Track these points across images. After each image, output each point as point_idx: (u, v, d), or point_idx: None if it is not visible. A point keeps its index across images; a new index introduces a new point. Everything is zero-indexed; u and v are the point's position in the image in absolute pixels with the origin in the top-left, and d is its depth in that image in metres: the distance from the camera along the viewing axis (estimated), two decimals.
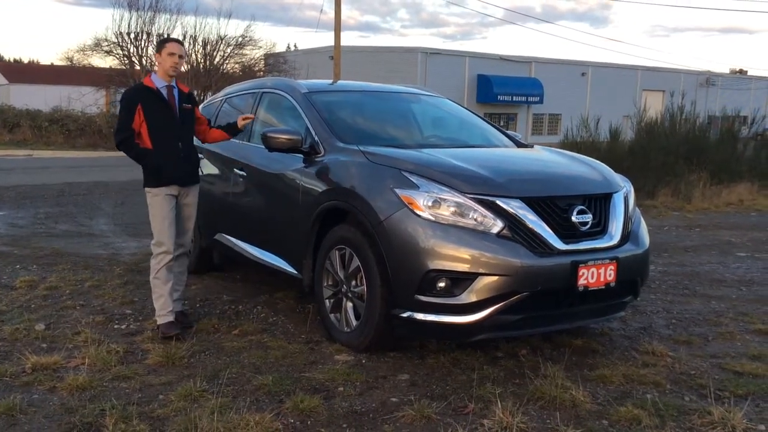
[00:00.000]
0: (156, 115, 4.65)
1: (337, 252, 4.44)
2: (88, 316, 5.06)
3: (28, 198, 12.24)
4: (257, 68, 31.30)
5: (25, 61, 69.40)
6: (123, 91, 26.35)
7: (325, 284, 4.58)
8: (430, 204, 3.92)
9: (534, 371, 3.97)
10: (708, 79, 51.60)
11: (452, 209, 3.90)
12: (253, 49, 30.43)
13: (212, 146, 5.82)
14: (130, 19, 28.05)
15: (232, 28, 68.95)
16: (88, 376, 3.79)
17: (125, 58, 28.59)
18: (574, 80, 44.55)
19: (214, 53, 28.59)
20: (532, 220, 3.88)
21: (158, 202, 4.70)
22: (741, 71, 63.61)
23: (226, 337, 4.62)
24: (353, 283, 4.33)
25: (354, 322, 4.32)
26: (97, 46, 29.20)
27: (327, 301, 4.57)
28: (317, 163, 4.70)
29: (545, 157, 4.83)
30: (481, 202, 3.90)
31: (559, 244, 3.89)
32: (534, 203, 3.94)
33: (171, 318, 4.68)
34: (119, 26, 28.56)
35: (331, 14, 70.60)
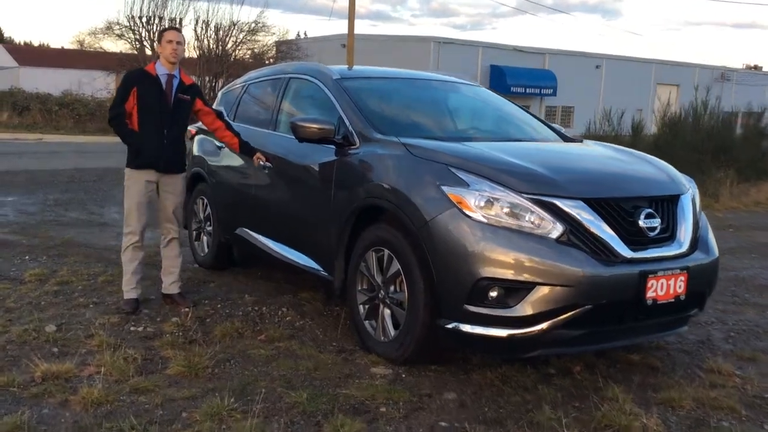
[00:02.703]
0: (148, 100, 4.79)
1: (373, 254, 4.07)
2: (101, 315, 4.72)
3: (38, 183, 11.92)
4: (269, 55, 30.86)
5: (36, 44, 69.20)
6: None
7: (359, 288, 4.22)
8: (481, 204, 3.54)
9: (595, 392, 3.61)
10: (723, 74, 50.89)
11: (506, 210, 3.52)
12: (265, 36, 29.98)
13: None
14: (142, 2, 27.65)
15: (245, 15, 68.57)
16: (104, 388, 3.44)
17: (137, 42, 28.18)
18: (588, 73, 43.95)
19: (227, 39, 28.15)
20: (595, 224, 3.50)
21: (132, 184, 4.89)
22: (756, 67, 62.82)
23: (252, 343, 4.26)
24: (392, 288, 3.97)
25: (392, 332, 3.95)
26: (108, 29, 28.81)
27: (361, 306, 4.20)
28: (351, 155, 4.32)
29: (603, 154, 4.44)
30: (538, 202, 3.52)
31: (625, 252, 3.51)
32: (597, 205, 3.56)
33: (133, 295, 4.93)
34: (131, 9, 28.16)
35: (342, 2, 70.15)
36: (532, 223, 3.48)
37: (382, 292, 4.02)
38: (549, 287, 3.39)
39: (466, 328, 3.57)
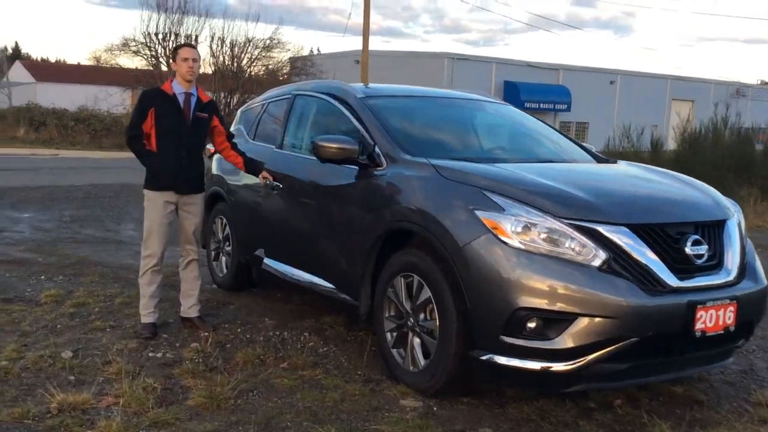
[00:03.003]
0: (166, 121, 4.68)
1: (402, 279, 3.91)
2: (119, 340, 4.57)
3: (54, 199, 11.86)
4: (284, 71, 30.86)
5: (52, 60, 69.79)
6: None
7: (387, 315, 4.05)
8: (518, 230, 3.37)
9: (640, 429, 3.41)
10: (738, 90, 50.52)
11: (544, 236, 3.35)
12: (280, 52, 30.02)
13: (250, 155, 5.33)
14: (158, 19, 27.76)
15: (260, 32, 68.89)
16: (123, 422, 3.27)
17: (152, 59, 28.29)
18: (602, 88, 43.74)
19: (242, 55, 28.20)
20: (640, 251, 3.32)
21: (152, 206, 4.78)
22: None
23: (274, 371, 4.09)
24: (422, 316, 3.80)
25: (422, 361, 3.78)
26: (125, 45, 28.94)
27: (388, 334, 4.03)
28: (378, 177, 4.17)
29: (643, 176, 4.26)
30: (579, 228, 3.34)
31: (672, 281, 3.32)
32: (642, 231, 3.38)
33: (150, 319, 4.80)
34: (147, 26, 28.28)
35: (355, 19, 70.26)
36: (573, 250, 3.31)
37: (411, 319, 3.85)
38: (591, 318, 3.21)
39: (502, 360, 3.39)
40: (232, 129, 6.39)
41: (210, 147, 6.83)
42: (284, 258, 5.09)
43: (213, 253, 6.28)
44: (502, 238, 3.37)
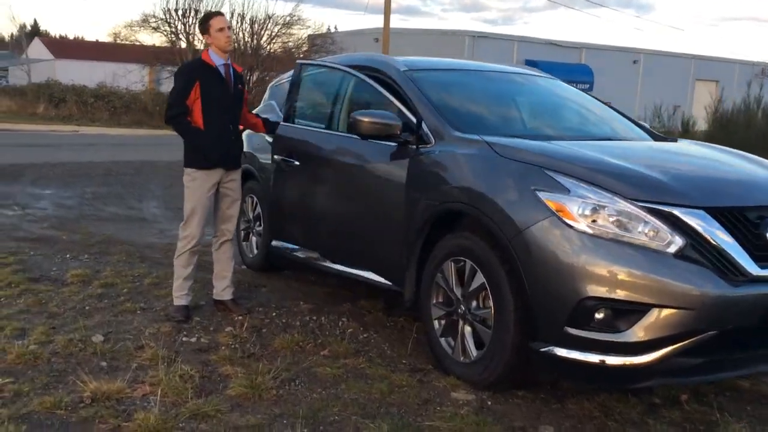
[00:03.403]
0: (213, 94, 4.44)
1: (452, 264, 3.67)
2: (151, 323, 4.37)
3: (75, 176, 11.72)
4: (304, 49, 30.48)
5: (71, 37, 69.70)
6: (170, 68, 25.74)
7: (434, 302, 3.82)
8: (587, 212, 3.11)
9: (710, 427, 3.17)
10: (764, 70, 49.49)
11: (615, 220, 3.09)
12: (301, 29, 29.65)
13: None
14: None
15: (279, 9, 68.09)
16: (160, 413, 3.07)
17: (172, 35, 28.05)
18: (625, 68, 43.02)
19: (262, 32, 27.87)
20: (719, 237, 3.05)
21: (198, 185, 4.51)
22: None
23: (315, 359, 3.88)
24: (474, 303, 3.56)
25: (474, 352, 3.55)
26: (144, 22, 28.69)
27: (436, 322, 3.80)
28: (425, 155, 3.92)
29: (713, 156, 3.98)
30: (653, 212, 3.08)
31: (753, 269, 3.05)
32: (720, 215, 3.11)
33: (183, 302, 4.57)
34: (167, 2, 28.02)
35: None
36: (646, 234, 3.05)
37: (462, 307, 3.62)
38: (667, 310, 2.96)
39: (563, 352, 3.15)
40: (262, 104, 6.16)
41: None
42: (317, 242, 4.88)
43: (243, 233, 6.07)
44: (568, 221, 3.12)
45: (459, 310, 3.64)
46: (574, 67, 40.70)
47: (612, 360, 3.06)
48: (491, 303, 3.41)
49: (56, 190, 10.19)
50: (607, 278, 3.01)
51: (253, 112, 5.39)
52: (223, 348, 4.00)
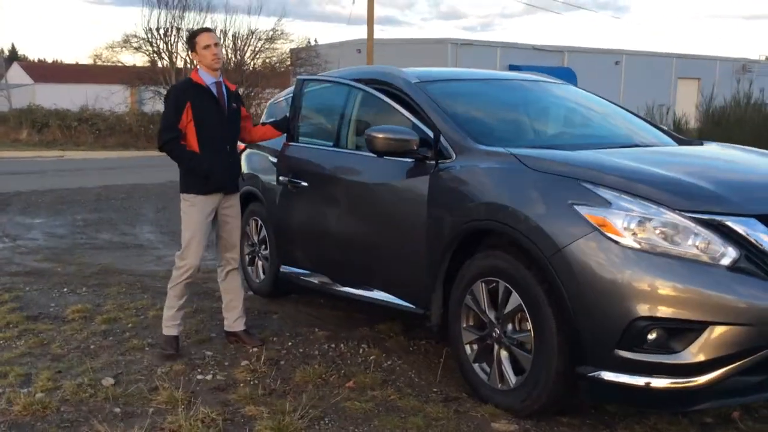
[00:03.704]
0: (206, 115, 4.22)
1: (483, 285, 3.47)
2: (161, 361, 4.14)
3: (65, 203, 11.46)
4: (287, 63, 30.25)
5: (49, 61, 69.15)
6: (152, 88, 25.41)
7: (464, 325, 3.61)
8: (632, 226, 2.92)
9: None
10: (744, 66, 49.85)
11: (663, 232, 2.90)
12: (284, 43, 29.41)
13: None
14: (159, 14, 27.20)
15: (262, 24, 67.70)
16: None
17: (155, 54, 27.74)
18: (607, 69, 43.12)
19: (245, 48, 27.65)
20: None
21: (197, 211, 4.28)
22: None
23: (341, 392, 3.66)
24: (510, 326, 3.36)
25: (513, 378, 3.34)
26: (126, 42, 28.39)
27: (468, 346, 3.60)
28: (446, 171, 3.71)
29: (750, 159, 3.80)
30: (702, 222, 2.89)
31: None
32: None
33: (174, 332, 4.32)
34: (148, 22, 27.75)
35: (350, 9, 69.61)
36: (697, 247, 2.86)
37: (496, 330, 3.41)
38: (725, 327, 2.77)
39: (610, 376, 2.96)
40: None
41: (239, 144, 6.42)
42: (330, 267, 4.64)
43: (248, 257, 5.84)
44: (612, 236, 2.93)
45: (493, 334, 3.43)
46: (558, 70, 40.62)
47: (659, 382, 2.87)
48: (530, 326, 3.21)
49: (46, 219, 9.94)
50: (659, 296, 2.82)
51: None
52: (241, 385, 3.77)
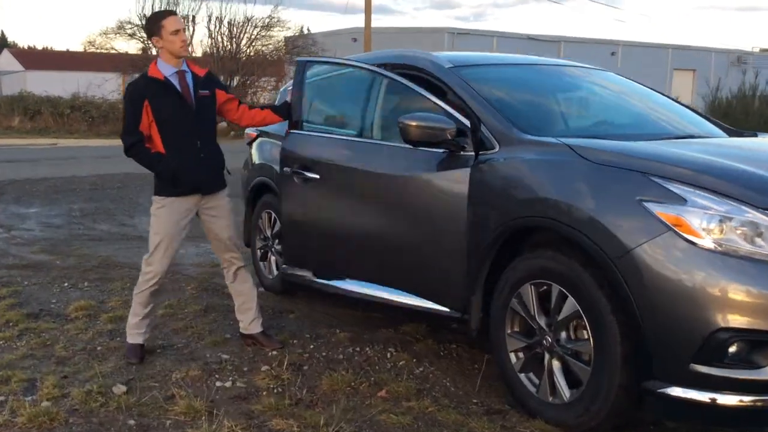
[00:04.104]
0: (167, 112, 3.82)
1: (532, 288, 3.17)
2: (176, 365, 3.84)
3: (59, 192, 11.14)
4: (283, 52, 29.80)
5: (39, 47, 68.29)
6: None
7: (509, 332, 3.32)
8: (711, 226, 2.64)
9: None
10: (739, 58, 49.70)
11: (745, 233, 2.62)
12: (281, 31, 28.96)
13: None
14: (154, 1, 26.70)
15: (258, 12, 66.57)
16: None
17: (148, 41, 27.24)
18: (603, 60, 42.77)
19: (241, 35, 27.17)
20: None
21: (166, 213, 3.89)
22: None
23: (374, 402, 3.37)
24: (563, 334, 3.07)
25: (566, 391, 3.05)
26: (120, 28, 27.89)
27: (513, 355, 3.31)
28: (488, 163, 3.40)
29: None
30: None
31: None
32: None
33: (139, 340, 4.01)
34: (143, 8, 27.26)
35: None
36: None
37: (548, 338, 3.12)
38: None
39: (678, 392, 2.68)
40: None
41: (250, 132, 6.09)
42: (346, 267, 4.23)
43: (260, 252, 5.52)
44: (689, 237, 2.64)
45: (544, 342, 3.14)
46: None
47: (728, 399, 2.60)
48: (588, 334, 2.92)
49: (41, 209, 9.60)
50: (744, 304, 2.54)
51: None
52: (264, 393, 3.47)
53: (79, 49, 38.09)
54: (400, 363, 3.90)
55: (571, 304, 2.98)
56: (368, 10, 26.82)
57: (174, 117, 3.82)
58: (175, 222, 3.89)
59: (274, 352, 4.03)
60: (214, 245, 4.17)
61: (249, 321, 4.20)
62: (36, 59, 46.30)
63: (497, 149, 3.43)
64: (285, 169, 4.41)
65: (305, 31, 36.84)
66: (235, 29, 27.14)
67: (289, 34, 30.37)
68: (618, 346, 2.80)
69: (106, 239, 7.77)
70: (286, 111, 4.45)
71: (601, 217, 2.84)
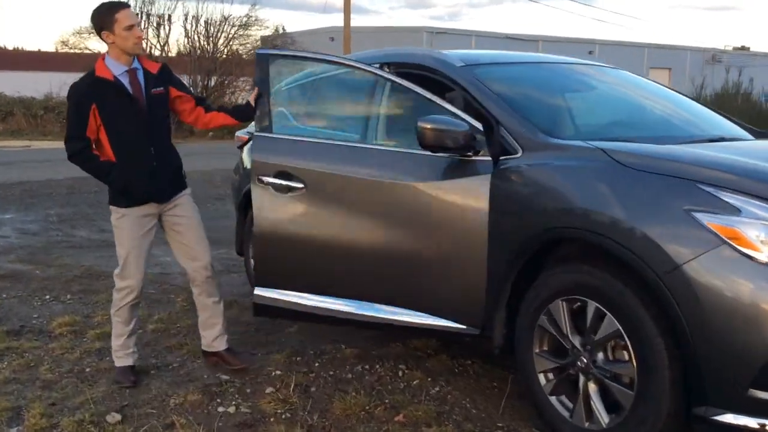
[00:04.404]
0: (117, 115, 3.48)
1: (564, 305, 2.94)
2: (172, 389, 3.55)
3: (36, 197, 10.75)
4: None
5: (10, 48, 66.99)
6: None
7: (538, 351, 3.09)
8: None
9: None
10: (714, 56, 50.12)
11: None
12: (258, 30, 28.57)
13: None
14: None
15: (235, 11, 65.65)
16: None
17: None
18: (581, 58, 42.99)
19: (218, 34, 26.74)
20: None
21: (126, 224, 3.60)
22: (743, 47, 62.03)
23: (391, 428, 3.12)
24: (601, 355, 2.84)
25: (605, 417, 2.81)
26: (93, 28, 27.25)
27: (542, 376, 3.07)
28: (512, 169, 3.16)
29: None
30: None
31: None
32: None
33: (128, 362, 3.73)
34: None
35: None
36: None
37: (583, 359, 2.89)
38: None
39: (729, 418, 2.46)
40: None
41: (241, 134, 5.80)
42: (340, 286, 3.72)
43: (253, 260, 5.23)
44: (746, 250, 2.42)
45: (578, 363, 2.91)
46: None
47: None
48: (629, 356, 2.70)
49: (17, 214, 9.23)
50: None
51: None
52: (272, 420, 3.21)
53: (51, 49, 37.22)
54: (414, 382, 3.65)
55: (610, 323, 2.76)
56: (347, 9, 26.56)
57: (126, 121, 3.50)
58: (136, 231, 3.61)
59: (278, 372, 3.76)
60: (178, 253, 3.80)
61: (213, 337, 3.87)
62: (6, 60, 45.32)
63: (520, 154, 3.19)
64: (260, 178, 3.69)
65: (280, 31, 36.41)
66: (212, 28, 26.71)
67: (267, 33, 29.99)
68: (666, 370, 2.58)
69: (86, 246, 7.44)
70: (246, 112, 3.87)
71: (646, 230, 2.61)
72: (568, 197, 2.93)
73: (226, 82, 26.09)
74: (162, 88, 3.63)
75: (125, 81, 3.50)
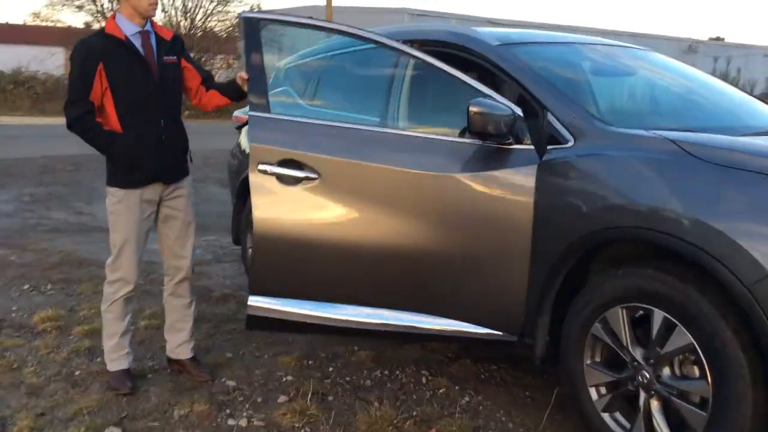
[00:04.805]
0: (127, 80, 3.13)
1: (624, 312, 2.64)
2: (175, 396, 3.20)
3: (7, 175, 10.31)
4: (236, 32, 28.71)
5: None
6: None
7: (589, 362, 2.79)
8: None
9: None
10: (690, 46, 50.30)
11: None
12: (238, 6, 27.89)
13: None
14: None
15: None
16: None
17: (98, 14, 25.90)
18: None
19: (196, 10, 26.07)
20: None
21: (126, 209, 3.22)
22: (718, 38, 62.42)
23: None
24: (666, 370, 2.55)
25: None
26: (68, 0, 26.41)
27: (594, 390, 2.77)
28: (563, 160, 2.82)
29: None
30: None
31: None
32: None
33: (124, 365, 3.36)
34: None
35: None
36: None
37: (645, 373, 2.59)
38: None
39: None
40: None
41: (239, 115, 5.42)
42: (359, 291, 3.23)
43: (250, 251, 4.86)
44: None
45: (639, 378, 2.61)
46: None
47: None
48: (702, 372, 2.40)
49: None
50: None
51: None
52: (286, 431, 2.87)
53: (19, 21, 36.08)
54: (440, 391, 3.33)
55: (681, 336, 2.45)
56: None
57: (136, 86, 3.15)
58: (136, 217, 3.24)
59: (289, 377, 3.43)
60: (164, 245, 3.45)
61: (177, 343, 3.52)
62: None
63: (571, 144, 2.86)
64: (261, 166, 3.11)
65: (255, 9, 35.57)
66: (189, 3, 26.02)
67: (249, 9, 29.29)
68: (749, 390, 2.29)
69: (63, 230, 7.03)
70: (235, 91, 3.41)
71: (730, 232, 2.31)
72: (631, 193, 2.61)
73: (203, 59, 25.43)
74: (175, 57, 3.28)
75: (137, 42, 3.15)
